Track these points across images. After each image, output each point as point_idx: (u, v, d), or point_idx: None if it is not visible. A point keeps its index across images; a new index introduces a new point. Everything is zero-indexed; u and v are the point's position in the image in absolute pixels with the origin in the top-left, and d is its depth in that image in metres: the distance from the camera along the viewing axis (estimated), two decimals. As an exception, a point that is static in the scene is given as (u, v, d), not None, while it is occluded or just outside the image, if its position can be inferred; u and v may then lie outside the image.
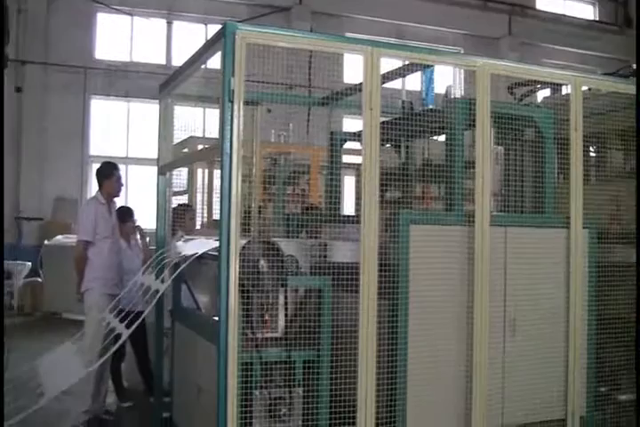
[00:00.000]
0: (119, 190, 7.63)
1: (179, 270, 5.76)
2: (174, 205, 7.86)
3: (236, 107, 4.71)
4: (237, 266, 4.68)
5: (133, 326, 5.64)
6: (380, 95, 5.16)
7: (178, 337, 6.56)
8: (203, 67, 5.84)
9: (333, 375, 4.99)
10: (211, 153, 6.28)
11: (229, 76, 4.70)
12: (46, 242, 15.71)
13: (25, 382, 5.85)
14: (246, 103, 4.86)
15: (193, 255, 5.65)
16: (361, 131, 5.17)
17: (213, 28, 19.16)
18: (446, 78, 6.20)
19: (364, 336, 4.96)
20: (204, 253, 5.68)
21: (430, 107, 6.14)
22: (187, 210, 8.14)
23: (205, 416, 5.32)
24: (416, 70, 5.92)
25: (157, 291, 5.78)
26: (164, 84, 6.91)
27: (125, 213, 8.13)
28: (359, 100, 5.26)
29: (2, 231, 7.17)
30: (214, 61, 5.39)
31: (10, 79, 18.13)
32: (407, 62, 5.73)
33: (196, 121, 7.23)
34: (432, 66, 5.86)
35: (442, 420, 5.35)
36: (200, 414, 5.61)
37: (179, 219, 7.74)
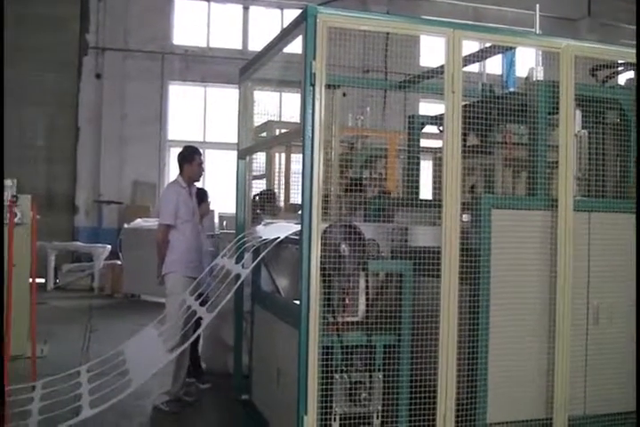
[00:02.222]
0: (200, 175, 7.68)
1: (261, 256, 5.79)
2: (258, 191, 7.86)
3: (317, 90, 4.70)
4: (319, 250, 4.69)
5: (216, 311, 5.68)
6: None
7: (257, 320, 6.61)
8: (281, 51, 5.85)
9: (414, 360, 4.98)
10: (291, 137, 6.29)
11: (311, 59, 4.69)
12: (126, 225, 16.03)
13: (114, 367, 5.98)
14: (327, 87, 4.85)
15: (275, 240, 5.67)
16: (441, 114, 5.11)
17: (289, 13, 19.22)
18: (522, 61, 6.10)
19: (444, 321, 4.92)
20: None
21: (512, 90, 6.04)
22: (273, 195, 8.15)
23: (285, 399, 5.36)
24: (497, 53, 5.82)
25: (239, 276, 5.82)
26: (244, 69, 6.94)
27: (200, 196, 8.16)
28: (437, 84, 5.19)
29: (2, 225, 7.31)
30: (293, 45, 5.40)
31: (90, 66, 18.56)
32: (488, 45, 5.64)
33: (274, 105, 7.24)
34: (514, 48, 5.76)
35: (523, 407, 5.28)
36: (279, 396, 5.65)
37: (265, 204, 7.73)
